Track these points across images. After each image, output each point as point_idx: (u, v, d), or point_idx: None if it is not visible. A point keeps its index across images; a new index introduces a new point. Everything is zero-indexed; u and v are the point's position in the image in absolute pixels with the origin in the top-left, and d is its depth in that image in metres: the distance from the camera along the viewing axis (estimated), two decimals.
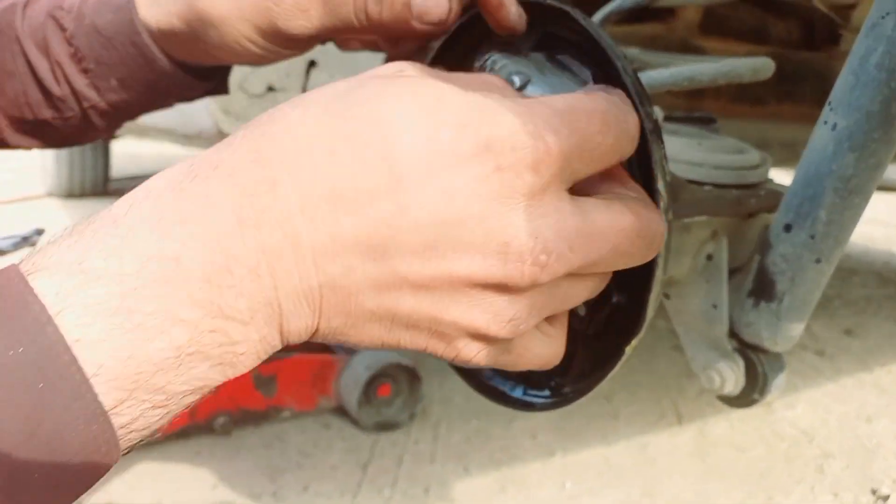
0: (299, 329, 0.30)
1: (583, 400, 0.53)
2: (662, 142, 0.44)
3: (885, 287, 2.40)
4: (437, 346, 0.33)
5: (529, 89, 0.50)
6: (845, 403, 1.44)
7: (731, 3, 1.54)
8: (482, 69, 0.54)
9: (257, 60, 0.53)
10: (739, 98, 1.75)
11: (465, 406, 1.39)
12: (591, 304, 0.51)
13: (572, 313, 0.53)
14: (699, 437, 1.30)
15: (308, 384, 1.31)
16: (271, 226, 0.27)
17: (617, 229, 0.33)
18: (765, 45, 1.76)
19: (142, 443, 0.29)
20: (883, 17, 0.51)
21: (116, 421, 0.26)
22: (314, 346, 1.53)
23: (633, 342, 0.47)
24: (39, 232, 2.72)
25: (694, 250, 0.66)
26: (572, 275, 0.33)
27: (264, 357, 0.31)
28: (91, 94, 0.55)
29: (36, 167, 3.69)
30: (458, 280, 0.30)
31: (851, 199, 0.54)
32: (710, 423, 1.35)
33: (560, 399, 0.54)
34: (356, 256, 0.28)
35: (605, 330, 0.50)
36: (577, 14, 0.49)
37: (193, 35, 0.50)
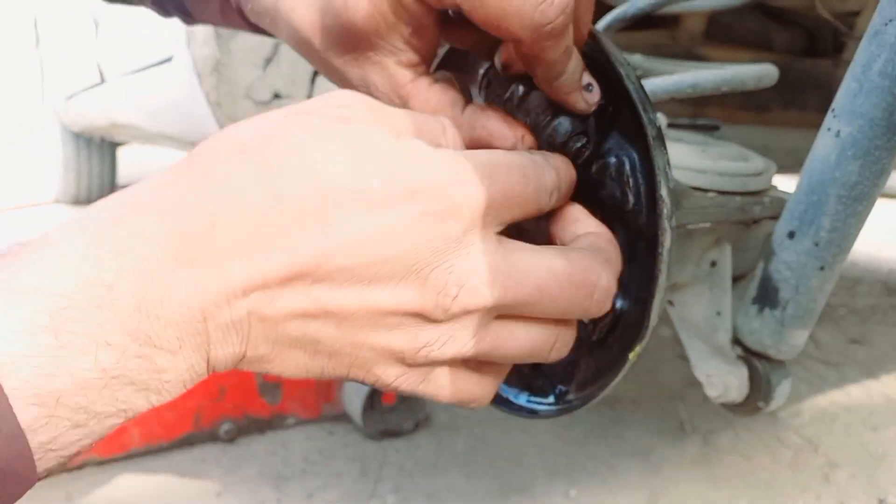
0: (226, 357, 0.32)
1: (587, 407, 0.53)
2: (665, 149, 0.44)
3: (891, 296, 2.39)
4: (358, 373, 0.35)
5: (533, 96, 0.50)
6: (851, 412, 1.44)
7: (734, 11, 1.55)
8: (485, 78, 0.54)
9: None
10: (744, 105, 1.75)
11: (469, 414, 1.39)
12: None
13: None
14: (704, 445, 1.29)
15: (312, 391, 1.31)
16: (206, 264, 0.30)
17: (543, 270, 0.35)
18: (768, 53, 1.76)
19: (62, 465, 0.30)
20: (886, 25, 0.51)
21: (34, 439, 0.27)
22: None
23: (637, 349, 0.47)
24: None
25: (697, 257, 0.66)
26: (504, 317, 0.35)
27: (190, 385, 0.32)
28: None
29: (43, 173, 3.72)
30: (377, 310, 0.33)
31: (855, 206, 0.54)
32: (715, 430, 1.34)
33: (564, 406, 0.54)
34: (285, 288, 0.31)
35: (608, 337, 0.50)
36: None
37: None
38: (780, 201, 0.71)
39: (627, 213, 0.47)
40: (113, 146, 3.35)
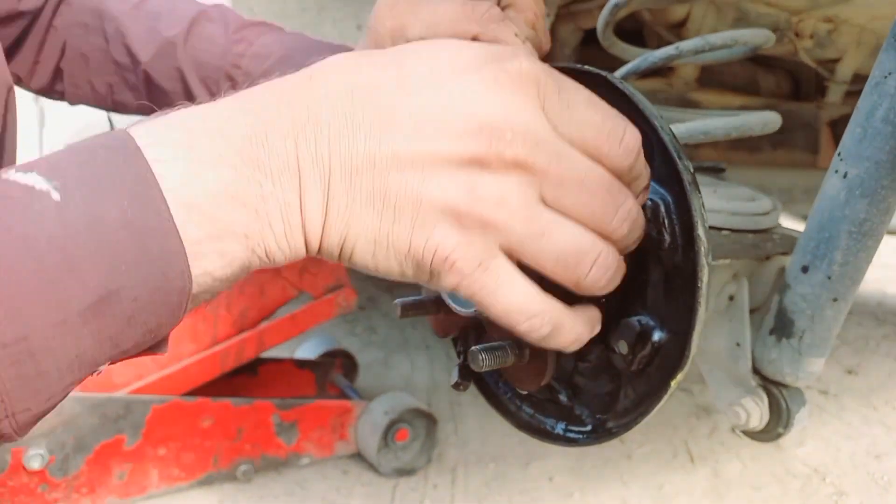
0: (314, 207, 0.37)
1: (627, 434, 0.56)
2: (700, 192, 0.48)
3: (882, 327, 2.45)
4: (420, 239, 0.38)
5: None
6: (853, 441, 1.47)
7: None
8: None
9: None
10: (735, 146, 1.82)
11: (481, 450, 1.40)
12: (632, 344, 0.54)
13: (614, 353, 0.56)
14: (713, 477, 1.31)
15: (327, 430, 1.33)
16: (301, 106, 0.36)
17: (585, 166, 0.39)
18: (756, 97, 1.85)
19: (205, 294, 0.36)
20: (885, 77, 0.56)
21: (191, 252, 0.33)
22: (332, 394, 1.54)
23: (679, 376, 0.51)
24: None
25: (717, 292, 0.70)
26: (553, 210, 0.38)
27: (288, 253, 0.38)
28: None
29: None
30: (438, 157, 0.37)
31: (865, 241, 0.59)
32: (723, 462, 1.37)
33: (604, 434, 0.58)
34: (361, 134, 0.37)
35: (647, 368, 0.54)
36: (613, 78, 0.54)
37: None
38: (789, 238, 0.75)
39: (663, 252, 0.51)
40: None
